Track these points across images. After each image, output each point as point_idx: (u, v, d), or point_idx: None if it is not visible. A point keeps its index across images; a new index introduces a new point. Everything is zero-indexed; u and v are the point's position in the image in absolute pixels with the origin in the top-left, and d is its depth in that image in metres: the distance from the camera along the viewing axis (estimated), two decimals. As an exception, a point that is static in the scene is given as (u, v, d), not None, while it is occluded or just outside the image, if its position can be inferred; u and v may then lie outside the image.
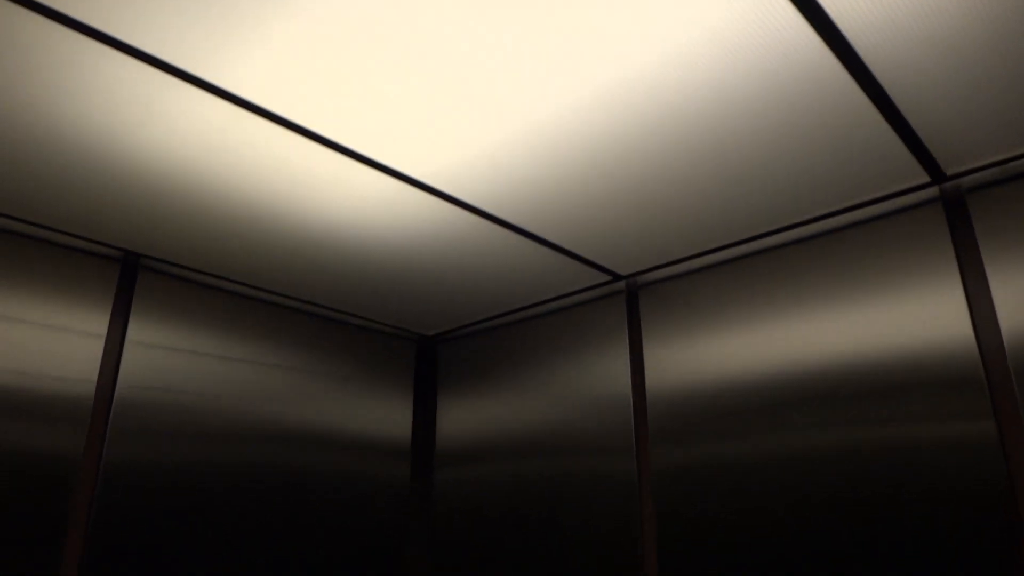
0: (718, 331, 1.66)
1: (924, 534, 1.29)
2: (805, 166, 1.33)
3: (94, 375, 1.63)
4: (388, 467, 2.12)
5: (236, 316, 1.90)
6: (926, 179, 1.37)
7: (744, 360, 1.59)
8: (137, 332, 1.71)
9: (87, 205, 1.48)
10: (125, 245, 1.67)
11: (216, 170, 1.36)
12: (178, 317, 1.79)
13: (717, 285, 1.69)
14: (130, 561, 1.59)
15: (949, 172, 1.35)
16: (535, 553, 1.83)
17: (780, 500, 1.46)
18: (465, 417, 2.15)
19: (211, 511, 1.74)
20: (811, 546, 1.40)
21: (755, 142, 1.26)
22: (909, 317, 1.40)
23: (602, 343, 1.88)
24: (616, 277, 1.83)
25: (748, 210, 1.49)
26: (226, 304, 1.89)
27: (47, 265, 1.60)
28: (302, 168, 1.35)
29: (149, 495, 1.65)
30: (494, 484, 1.99)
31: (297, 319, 2.03)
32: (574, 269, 1.78)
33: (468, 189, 1.42)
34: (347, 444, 2.05)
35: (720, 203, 1.46)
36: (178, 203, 1.48)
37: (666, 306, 1.76)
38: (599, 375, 1.86)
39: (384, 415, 2.16)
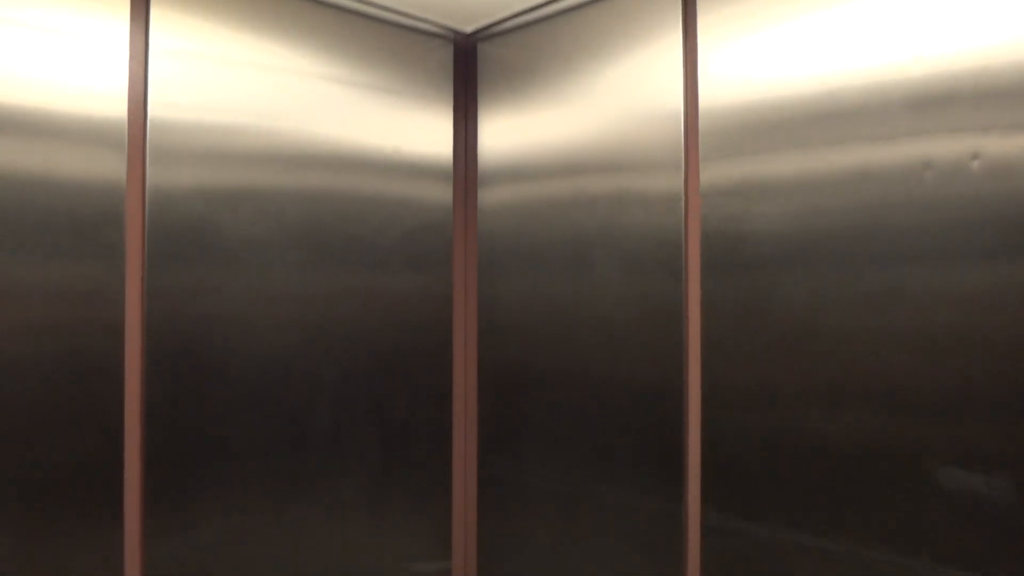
0: (778, 26, 1.44)
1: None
2: None
3: (124, 90, 1.42)
4: (431, 188, 2.02)
5: (262, 14, 1.63)
6: None
7: (803, 64, 1.41)
8: (161, 38, 1.46)
9: None
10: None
11: None
12: (202, 15, 1.53)
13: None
14: (188, 280, 1.56)
15: None
16: (576, 265, 1.82)
17: (831, 217, 1.39)
18: (507, 131, 2.00)
19: (260, 235, 1.67)
20: (860, 262, 1.33)
21: None
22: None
23: (654, 42, 1.67)
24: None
25: None
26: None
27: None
28: None
29: (200, 221, 1.55)
30: (537, 203, 1.93)
31: (327, 16, 1.76)
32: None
33: None
34: (388, 164, 1.92)
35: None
36: None
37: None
38: (650, 80, 1.67)
39: (424, 130, 1.99)
